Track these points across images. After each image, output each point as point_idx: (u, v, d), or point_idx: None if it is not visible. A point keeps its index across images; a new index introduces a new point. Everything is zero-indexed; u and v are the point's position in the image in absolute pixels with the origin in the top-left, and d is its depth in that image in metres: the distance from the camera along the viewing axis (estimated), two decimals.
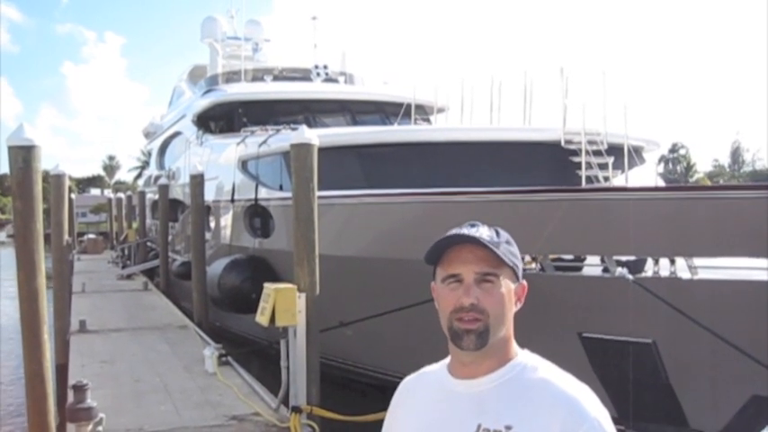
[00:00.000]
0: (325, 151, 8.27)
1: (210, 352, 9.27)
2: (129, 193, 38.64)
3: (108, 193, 70.39)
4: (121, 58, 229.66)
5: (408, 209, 8.83)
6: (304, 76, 18.11)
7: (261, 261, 11.80)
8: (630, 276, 7.24)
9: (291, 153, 8.04)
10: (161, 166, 24.02)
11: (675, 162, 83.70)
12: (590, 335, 7.63)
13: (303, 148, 7.90)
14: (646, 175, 11.28)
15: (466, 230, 1.70)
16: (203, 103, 17.34)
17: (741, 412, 6.94)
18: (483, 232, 1.69)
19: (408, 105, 13.30)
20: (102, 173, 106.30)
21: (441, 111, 14.99)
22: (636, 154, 10.25)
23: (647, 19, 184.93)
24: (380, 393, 6.98)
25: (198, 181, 14.06)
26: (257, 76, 18.17)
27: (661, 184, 12.62)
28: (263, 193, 12.05)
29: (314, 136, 8.00)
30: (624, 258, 7.52)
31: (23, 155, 6.22)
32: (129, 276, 21.10)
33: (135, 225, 27.75)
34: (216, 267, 12.15)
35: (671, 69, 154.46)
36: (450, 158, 10.39)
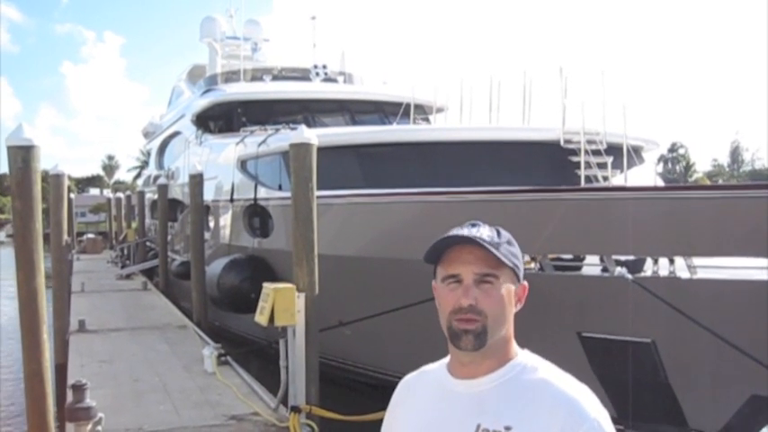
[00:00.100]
0: (324, 151, 8.27)
1: (210, 352, 9.27)
2: (128, 192, 38.65)
3: (107, 192, 70.39)
4: (121, 58, 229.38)
5: (407, 209, 8.84)
6: (303, 75, 18.12)
7: (260, 261, 11.80)
8: (630, 276, 7.24)
9: (290, 153, 8.04)
10: (160, 165, 24.03)
11: (675, 162, 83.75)
12: (589, 334, 7.63)
13: (302, 147, 7.90)
14: (645, 174, 11.28)
15: (467, 230, 1.69)
16: (202, 102, 17.34)
17: (740, 412, 6.94)
18: (484, 232, 1.68)
19: (407, 105, 13.31)
20: (102, 173, 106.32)
21: (440, 110, 15.01)
22: (635, 153, 10.25)
23: (647, 19, 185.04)
24: (379, 393, 6.98)
25: (197, 181, 14.06)
26: (256, 75, 18.17)
27: (660, 183, 12.61)
28: (263, 192, 12.06)
29: (313, 136, 8.00)
30: (623, 258, 7.52)
31: (23, 155, 6.22)
32: (128, 276, 21.10)
33: (134, 225, 27.75)
34: (215, 267, 12.15)
35: (670, 69, 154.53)
36: (450, 158, 10.40)
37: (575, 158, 9.75)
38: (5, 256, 33.35)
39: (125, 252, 25.25)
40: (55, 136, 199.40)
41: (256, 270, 11.37)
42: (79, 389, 5.99)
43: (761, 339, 6.48)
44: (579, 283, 7.94)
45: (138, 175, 60.07)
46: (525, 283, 1.75)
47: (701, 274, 6.95)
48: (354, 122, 15.00)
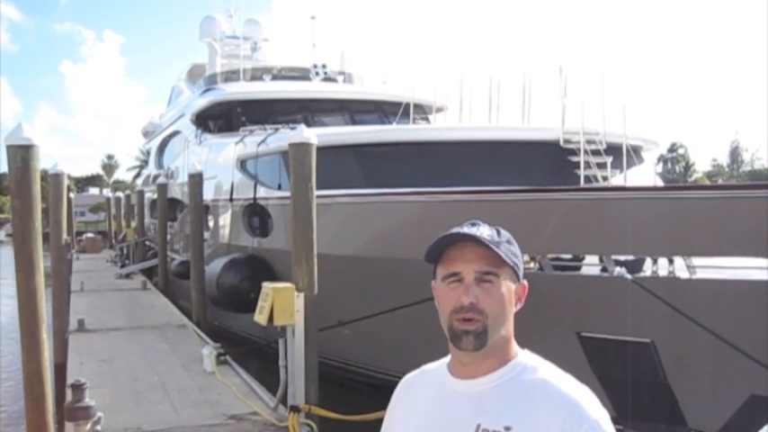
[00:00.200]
0: (323, 150, 8.27)
1: (209, 351, 9.27)
2: (127, 192, 38.66)
3: (107, 192, 70.31)
4: (120, 58, 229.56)
5: (407, 208, 8.84)
6: (303, 75, 18.11)
7: (259, 260, 11.80)
8: (629, 276, 7.24)
9: (290, 152, 8.04)
10: (160, 165, 24.04)
11: (674, 161, 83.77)
12: (588, 334, 7.63)
13: (302, 147, 7.90)
14: (644, 174, 11.29)
15: (467, 229, 1.69)
16: (202, 102, 17.34)
17: (739, 412, 6.94)
18: (484, 231, 1.68)
19: (407, 105, 13.31)
20: (101, 172, 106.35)
21: (439, 110, 15.01)
22: (634, 153, 10.25)
23: (646, 19, 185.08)
24: (379, 392, 6.97)
25: (196, 180, 14.05)
26: (256, 75, 18.16)
27: (660, 183, 12.61)
28: (262, 192, 12.06)
29: (312, 135, 7.99)
30: (623, 258, 7.52)
31: (22, 154, 6.22)
32: (127, 275, 21.11)
33: (134, 224, 27.77)
34: (214, 266, 12.15)
35: (670, 69, 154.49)
36: (449, 158, 10.40)
37: (574, 158, 9.75)
38: (5, 256, 33.32)
39: (124, 251, 25.26)
40: (54, 135, 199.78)
41: (256, 269, 11.37)
42: (78, 388, 5.99)
43: (760, 339, 6.48)
44: (578, 282, 7.94)
45: (138, 175, 60.01)
46: (525, 282, 1.75)
47: (701, 274, 6.96)
48: (354, 122, 15.00)
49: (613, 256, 7.45)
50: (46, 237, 8.60)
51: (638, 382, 7.28)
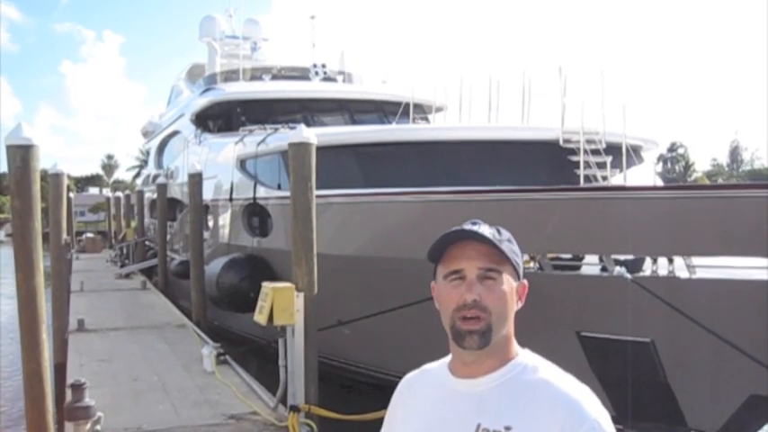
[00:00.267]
0: (323, 150, 8.27)
1: (209, 351, 9.27)
2: (127, 192, 38.65)
3: (106, 192, 70.30)
4: (120, 57, 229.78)
5: (407, 208, 8.83)
6: (302, 75, 18.10)
7: (259, 260, 11.79)
8: (629, 275, 7.23)
9: (290, 152, 8.04)
10: (159, 165, 24.04)
11: (674, 161, 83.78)
12: (588, 334, 7.63)
13: (301, 147, 7.89)
14: (644, 174, 11.29)
15: (468, 227, 1.69)
16: (202, 102, 17.33)
17: (739, 412, 6.94)
18: (485, 230, 1.68)
19: (407, 104, 13.32)
20: (101, 172, 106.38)
21: (439, 110, 15.00)
22: (634, 153, 10.26)
23: (646, 18, 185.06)
24: (379, 392, 6.98)
25: (196, 180, 14.05)
26: (255, 75, 18.16)
27: (659, 183, 12.61)
28: (262, 192, 12.06)
29: (312, 135, 7.99)
30: (622, 257, 7.52)
31: (22, 154, 6.22)
32: (127, 275, 21.10)
33: (133, 224, 27.77)
34: (214, 266, 12.15)
35: (670, 68, 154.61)
36: (449, 157, 10.40)
37: (574, 158, 9.75)
38: (5, 256, 33.31)
39: (124, 251, 25.26)
40: (54, 135, 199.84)
41: (255, 269, 11.36)
42: (78, 388, 5.98)
43: (760, 339, 6.48)
44: (578, 282, 7.94)
45: (138, 175, 60.00)
46: (525, 281, 1.75)
47: (701, 274, 6.95)
48: (354, 122, 15.00)
49: (613, 256, 7.45)
50: (46, 237, 8.60)
51: (637, 382, 7.27)
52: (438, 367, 1.80)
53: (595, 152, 9.77)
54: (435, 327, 1.76)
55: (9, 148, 6.24)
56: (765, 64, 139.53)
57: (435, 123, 15.37)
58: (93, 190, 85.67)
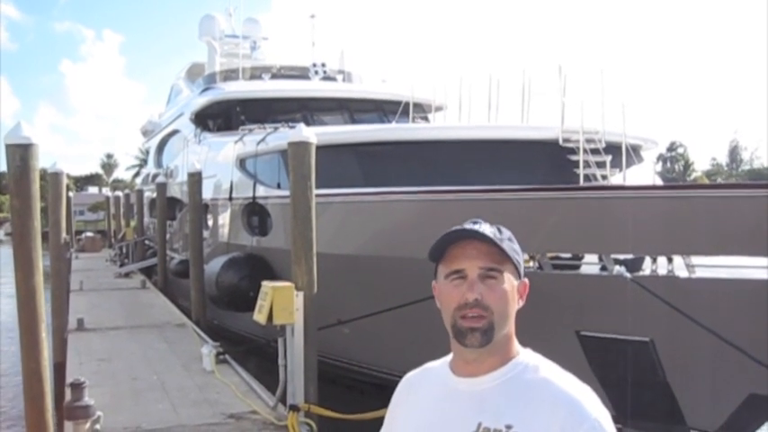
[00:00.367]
0: (323, 149, 8.26)
1: (208, 350, 9.27)
2: (126, 191, 38.67)
3: (106, 191, 70.27)
4: (120, 57, 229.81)
5: (406, 207, 8.83)
6: (302, 74, 18.10)
7: (259, 259, 11.79)
8: (628, 275, 7.23)
9: (289, 151, 8.03)
10: (159, 164, 24.04)
11: (673, 161, 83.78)
12: (588, 333, 7.63)
13: (301, 146, 7.89)
14: (644, 173, 11.30)
15: (468, 227, 1.69)
16: (201, 101, 17.33)
17: (739, 411, 6.94)
18: (486, 229, 1.69)
19: (406, 104, 13.31)
20: (100, 171, 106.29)
21: (439, 109, 14.99)
22: (634, 152, 10.25)
23: (646, 17, 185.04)
24: (378, 391, 6.98)
25: (196, 179, 14.05)
26: (255, 74, 18.15)
27: (659, 182, 12.61)
28: (261, 191, 12.05)
29: (312, 134, 7.98)
30: (622, 257, 7.52)
31: (21, 153, 6.21)
32: (126, 274, 21.11)
33: (133, 223, 27.79)
34: (214, 265, 12.15)
35: (669, 68, 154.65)
36: (449, 157, 10.39)
37: (574, 157, 9.75)
38: (4, 255, 33.30)
39: (124, 250, 25.25)
40: (54, 134, 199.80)
41: (255, 268, 11.36)
42: (78, 387, 5.99)
43: (759, 338, 6.48)
44: (578, 281, 7.94)
45: (137, 174, 59.91)
46: (526, 280, 1.75)
47: (700, 273, 6.95)
48: (353, 121, 14.98)
49: (613, 255, 7.45)
50: (45, 236, 8.60)
51: (637, 381, 7.27)
52: (439, 366, 1.80)
53: (595, 151, 9.77)
54: (435, 326, 1.76)
55: (8, 146, 6.23)
56: (765, 63, 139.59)
57: (435, 123, 15.37)
58: (93, 189, 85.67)
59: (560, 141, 9.92)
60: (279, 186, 11.38)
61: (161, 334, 11.72)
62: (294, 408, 7.12)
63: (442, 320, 1.72)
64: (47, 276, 7.98)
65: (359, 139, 11.09)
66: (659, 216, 6.85)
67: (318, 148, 8.03)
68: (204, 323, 13.01)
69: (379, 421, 1.91)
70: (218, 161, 14.49)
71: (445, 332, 1.71)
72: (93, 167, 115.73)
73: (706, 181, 60.37)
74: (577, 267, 8.29)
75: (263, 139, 12.12)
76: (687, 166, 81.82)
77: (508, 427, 1.59)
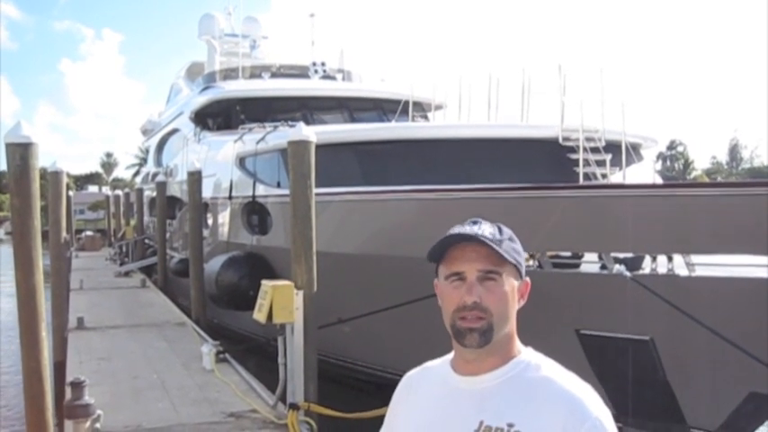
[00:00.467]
0: (322, 148, 8.26)
1: (208, 349, 9.27)
2: (126, 190, 38.66)
3: (106, 190, 70.22)
4: (119, 56, 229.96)
5: (406, 206, 8.83)
6: (302, 73, 18.08)
7: (258, 258, 11.79)
8: (628, 273, 7.24)
9: (289, 150, 8.03)
10: (159, 163, 24.03)
11: (673, 159, 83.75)
12: (588, 332, 7.63)
13: (301, 145, 7.89)
14: (643, 172, 11.29)
15: (468, 228, 1.69)
16: (201, 100, 17.32)
17: (739, 409, 6.95)
18: (486, 229, 1.69)
19: (406, 102, 13.30)
20: (100, 170, 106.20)
21: (438, 108, 14.96)
22: (633, 151, 10.25)
23: (646, 16, 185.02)
24: (378, 390, 6.98)
25: (195, 178, 14.04)
26: (255, 73, 18.13)
27: (659, 181, 12.61)
28: (261, 190, 12.05)
29: (311, 133, 7.98)
30: (622, 255, 7.52)
31: (21, 152, 6.21)
32: (126, 273, 21.11)
33: (133, 222, 27.79)
34: (213, 264, 12.14)
35: (669, 66, 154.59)
36: (448, 155, 10.38)
37: (573, 156, 9.74)
38: (4, 254, 33.33)
39: (124, 249, 25.26)
40: (53, 133, 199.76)
41: (255, 267, 11.36)
42: (78, 386, 5.99)
43: (759, 337, 6.48)
44: (578, 280, 7.94)
45: (137, 173, 59.87)
46: (527, 279, 1.75)
47: (700, 272, 6.95)
48: (353, 120, 14.97)
49: (612, 254, 7.45)
50: (45, 235, 8.60)
51: (637, 380, 7.28)
52: (440, 365, 1.81)
53: (595, 150, 9.77)
54: (435, 324, 1.76)
55: (8, 146, 6.23)
56: (765, 62, 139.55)
57: (435, 121, 15.35)
58: (93, 188, 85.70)
59: (560, 140, 9.92)
60: (279, 185, 11.38)
61: (161, 333, 11.72)
62: (294, 406, 7.12)
63: (442, 319, 1.72)
64: (47, 275, 7.98)
65: (358, 137, 11.09)
66: (659, 215, 6.85)
67: (318, 146, 8.02)
68: (204, 322, 13.01)
69: (380, 420, 1.91)
70: (217, 160, 14.49)
71: (445, 331, 1.71)
72: (93, 166, 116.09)
73: (706, 179, 60.37)
74: (577, 266, 8.29)
75: (262, 138, 12.12)
76: (687, 164, 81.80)
77: (510, 425, 1.59)
